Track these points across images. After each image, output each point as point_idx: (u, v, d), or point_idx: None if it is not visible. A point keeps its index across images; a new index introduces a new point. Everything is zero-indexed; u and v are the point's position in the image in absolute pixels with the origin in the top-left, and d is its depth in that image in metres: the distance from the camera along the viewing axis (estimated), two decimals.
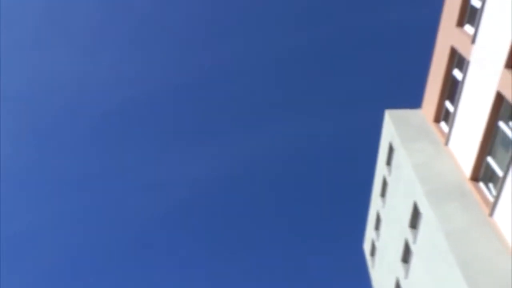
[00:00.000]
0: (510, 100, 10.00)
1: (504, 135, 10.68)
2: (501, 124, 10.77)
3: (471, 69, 12.06)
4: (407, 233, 13.41)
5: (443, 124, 14.64)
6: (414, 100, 16.71)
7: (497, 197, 10.43)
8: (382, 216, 16.65)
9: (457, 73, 13.48)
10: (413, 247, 12.90)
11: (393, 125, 15.55)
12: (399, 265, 14.13)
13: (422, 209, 12.18)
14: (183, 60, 46.90)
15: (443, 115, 14.68)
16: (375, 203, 17.82)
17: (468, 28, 12.62)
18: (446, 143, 13.77)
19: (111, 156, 47.85)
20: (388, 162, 16.24)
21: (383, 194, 16.90)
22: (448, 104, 14.19)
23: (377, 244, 17.44)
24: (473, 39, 11.80)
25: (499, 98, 10.66)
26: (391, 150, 15.96)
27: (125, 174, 47.82)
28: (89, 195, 48.51)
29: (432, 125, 15.08)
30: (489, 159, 11.36)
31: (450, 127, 13.42)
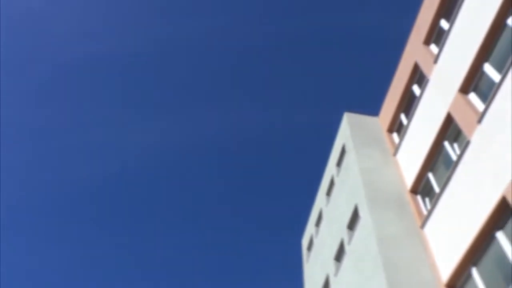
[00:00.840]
0: (458, 123, 10.51)
1: (447, 155, 11.24)
2: (446, 144, 11.32)
3: (429, 87, 12.54)
4: (344, 233, 13.88)
5: (395, 135, 15.18)
6: (377, 107, 17.19)
7: (430, 212, 11.00)
8: (324, 214, 17.13)
9: (416, 89, 13.97)
10: (347, 247, 13.38)
11: (349, 128, 15.94)
12: (332, 262, 14.63)
13: (361, 212, 12.64)
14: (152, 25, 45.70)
15: (396, 127, 15.21)
16: (320, 200, 18.28)
17: (433, 48, 13.08)
18: (395, 153, 14.31)
19: (53, 112, 46.40)
20: (339, 163, 16.67)
21: (328, 193, 17.36)
22: (403, 116, 14.71)
23: (315, 240, 17.95)
24: (436, 59, 12.25)
25: (449, 120, 11.17)
26: (343, 151, 16.38)
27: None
28: (30, 149, 46.80)
29: (385, 134, 15.60)
30: (430, 175, 11.93)
31: (401, 139, 13.94)
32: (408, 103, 14.49)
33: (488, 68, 9.91)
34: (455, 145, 11.02)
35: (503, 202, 8.18)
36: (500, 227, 8.40)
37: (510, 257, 7.89)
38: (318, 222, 18.24)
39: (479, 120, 9.54)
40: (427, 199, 12.05)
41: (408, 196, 12.64)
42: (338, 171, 16.30)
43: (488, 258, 8.63)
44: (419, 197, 12.41)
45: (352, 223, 13.64)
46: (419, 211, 11.95)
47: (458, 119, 10.52)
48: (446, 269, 9.72)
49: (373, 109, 17.50)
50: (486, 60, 10.05)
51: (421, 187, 12.41)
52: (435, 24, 12.96)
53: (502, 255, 8.19)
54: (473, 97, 10.41)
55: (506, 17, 9.47)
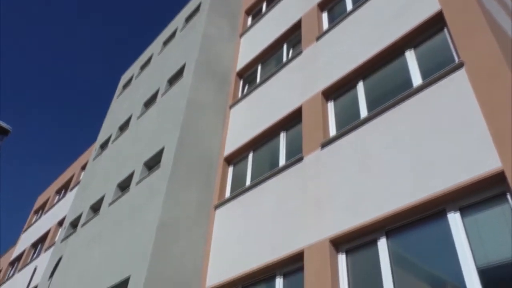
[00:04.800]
0: (303, 32, 11.12)
1: (281, 55, 11.99)
2: (285, 46, 12.00)
3: None
4: (163, 84, 14.03)
5: (250, 18, 15.31)
6: None
7: (243, 97, 11.87)
8: (153, 60, 16.84)
9: None
10: (159, 98, 13.66)
11: None
12: (140, 106, 14.83)
13: (185, 72, 12.82)
14: None
15: (255, 12, 15.30)
16: (155, 46, 17.79)
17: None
18: (242, 35, 14.55)
19: None
20: (188, 19, 16.17)
21: (166, 43, 16.96)
22: (264, 5, 14.81)
23: (134, 81, 17.72)
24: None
25: (297, 25, 11.71)
26: (197, 10, 15.86)
27: None
28: None
29: (242, 14, 15.58)
30: (259, 67, 12.67)
31: (252, 24, 14.18)
32: None
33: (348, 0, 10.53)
34: (291, 51, 11.81)
35: (298, 110, 9.37)
36: (286, 128, 9.73)
37: (280, 154, 9.33)
38: (144, 66, 17.91)
39: (318, 38, 10.31)
40: (247, 86, 12.92)
41: (232, 77, 13.28)
42: (184, 26, 15.88)
43: (265, 149, 10.03)
44: (241, 81, 13.18)
45: (173, 79, 13.82)
46: (235, 93, 12.77)
47: (304, 29, 11.14)
48: (231, 145, 10.93)
49: None
50: None
51: (247, 74, 13.13)
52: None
53: (276, 149, 9.61)
54: (325, 16, 11.07)
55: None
